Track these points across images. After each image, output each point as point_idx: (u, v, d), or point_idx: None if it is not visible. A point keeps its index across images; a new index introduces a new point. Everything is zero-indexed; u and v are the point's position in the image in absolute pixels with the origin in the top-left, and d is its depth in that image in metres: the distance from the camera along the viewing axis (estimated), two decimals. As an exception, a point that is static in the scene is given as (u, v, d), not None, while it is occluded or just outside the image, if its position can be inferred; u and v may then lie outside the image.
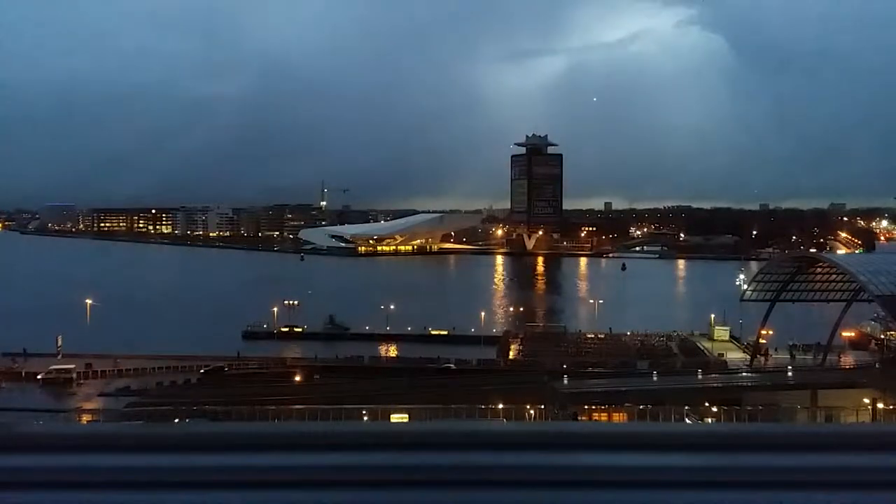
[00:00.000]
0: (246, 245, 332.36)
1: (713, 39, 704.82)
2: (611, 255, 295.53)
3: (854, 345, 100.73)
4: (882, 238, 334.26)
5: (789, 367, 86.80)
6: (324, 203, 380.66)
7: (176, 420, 55.69)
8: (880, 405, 68.08)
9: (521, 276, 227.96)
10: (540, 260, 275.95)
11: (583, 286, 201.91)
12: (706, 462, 2.44)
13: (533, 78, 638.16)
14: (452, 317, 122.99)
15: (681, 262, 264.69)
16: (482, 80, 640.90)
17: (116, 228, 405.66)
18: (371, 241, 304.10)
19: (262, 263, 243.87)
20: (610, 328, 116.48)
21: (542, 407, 66.48)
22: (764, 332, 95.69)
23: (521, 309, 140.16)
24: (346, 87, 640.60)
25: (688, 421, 58.48)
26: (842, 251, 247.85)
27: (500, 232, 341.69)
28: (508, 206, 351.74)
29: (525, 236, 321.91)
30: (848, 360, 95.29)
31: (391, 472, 2.43)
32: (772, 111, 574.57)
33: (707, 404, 70.72)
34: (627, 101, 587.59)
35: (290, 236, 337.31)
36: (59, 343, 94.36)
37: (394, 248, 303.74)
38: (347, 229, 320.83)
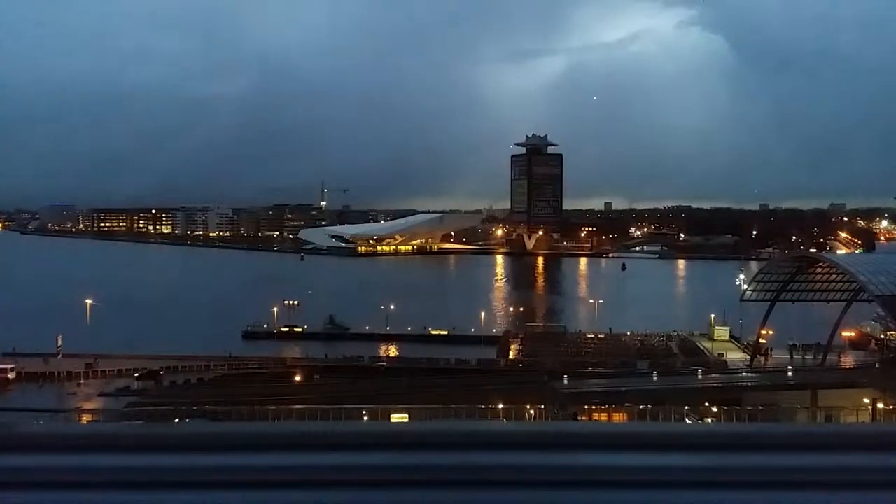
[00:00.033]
0: (246, 245, 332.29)
1: (713, 40, 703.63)
2: (611, 255, 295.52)
3: (854, 345, 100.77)
4: (882, 238, 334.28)
5: (789, 367, 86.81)
6: (324, 203, 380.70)
7: (176, 420, 55.74)
8: (880, 405, 68.11)
9: (520, 276, 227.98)
10: (540, 260, 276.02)
11: (583, 286, 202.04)
12: (706, 462, 2.44)
13: (533, 78, 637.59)
14: (452, 317, 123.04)
15: (681, 262, 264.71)
16: (482, 80, 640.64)
17: (116, 228, 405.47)
18: (371, 241, 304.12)
19: (262, 263, 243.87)
20: (610, 328, 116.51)
21: (542, 407, 66.53)
22: (764, 332, 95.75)
23: (521, 309, 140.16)
24: (346, 87, 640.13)
25: (688, 421, 58.51)
26: (842, 251, 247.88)
27: (500, 232, 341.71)
28: (508, 206, 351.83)
29: (525, 236, 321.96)
30: (848, 360, 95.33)
31: (391, 472, 2.43)
32: (772, 111, 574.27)
33: (707, 404, 70.75)
34: (627, 102, 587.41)
35: (290, 236, 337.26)
36: (59, 343, 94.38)
37: (394, 248, 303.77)
38: (347, 229, 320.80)
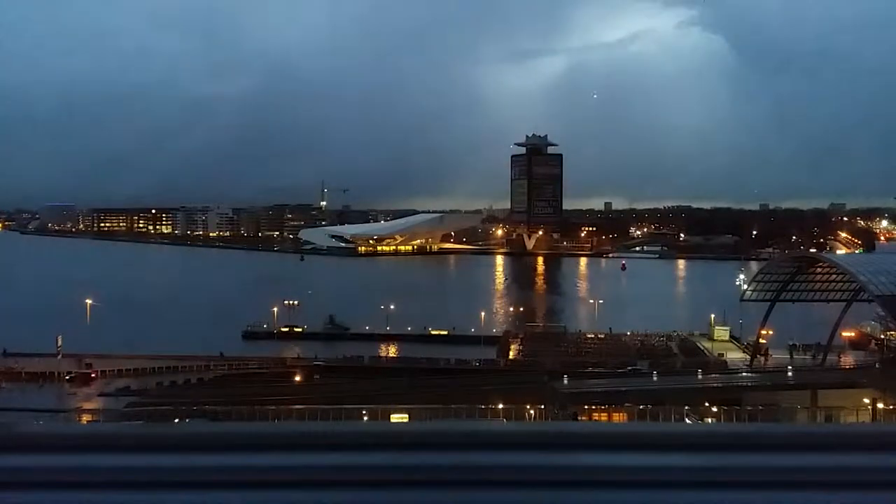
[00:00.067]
0: (246, 245, 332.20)
1: (714, 40, 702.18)
2: (611, 255, 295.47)
3: (854, 345, 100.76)
4: (882, 238, 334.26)
5: (789, 368, 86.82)
6: (324, 203, 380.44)
7: (176, 420, 55.74)
8: (880, 405, 68.14)
9: (520, 276, 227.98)
10: (540, 260, 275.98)
11: (583, 286, 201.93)
12: (706, 462, 2.44)
13: (533, 78, 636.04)
14: (452, 317, 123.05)
15: (681, 262, 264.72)
16: (482, 80, 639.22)
17: (116, 228, 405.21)
18: (371, 241, 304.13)
19: (262, 263, 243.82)
20: (610, 328, 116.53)
21: (542, 407, 66.55)
22: (764, 332, 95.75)
23: (521, 309, 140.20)
24: (347, 87, 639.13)
25: (688, 421, 58.51)
26: (842, 251, 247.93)
27: (500, 232, 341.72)
28: (508, 206, 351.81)
29: (525, 236, 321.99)
30: (848, 360, 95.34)
31: (391, 472, 2.43)
32: (772, 111, 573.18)
33: (707, 404, 70.79)
34: (627, 102, 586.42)
35: (290, 236, 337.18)
36: (59, 343, 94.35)
37: (394, 248, 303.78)
38: (347, 229, 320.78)
